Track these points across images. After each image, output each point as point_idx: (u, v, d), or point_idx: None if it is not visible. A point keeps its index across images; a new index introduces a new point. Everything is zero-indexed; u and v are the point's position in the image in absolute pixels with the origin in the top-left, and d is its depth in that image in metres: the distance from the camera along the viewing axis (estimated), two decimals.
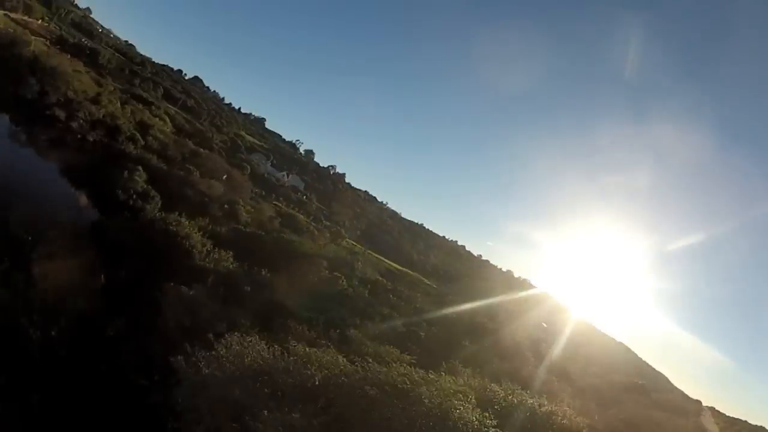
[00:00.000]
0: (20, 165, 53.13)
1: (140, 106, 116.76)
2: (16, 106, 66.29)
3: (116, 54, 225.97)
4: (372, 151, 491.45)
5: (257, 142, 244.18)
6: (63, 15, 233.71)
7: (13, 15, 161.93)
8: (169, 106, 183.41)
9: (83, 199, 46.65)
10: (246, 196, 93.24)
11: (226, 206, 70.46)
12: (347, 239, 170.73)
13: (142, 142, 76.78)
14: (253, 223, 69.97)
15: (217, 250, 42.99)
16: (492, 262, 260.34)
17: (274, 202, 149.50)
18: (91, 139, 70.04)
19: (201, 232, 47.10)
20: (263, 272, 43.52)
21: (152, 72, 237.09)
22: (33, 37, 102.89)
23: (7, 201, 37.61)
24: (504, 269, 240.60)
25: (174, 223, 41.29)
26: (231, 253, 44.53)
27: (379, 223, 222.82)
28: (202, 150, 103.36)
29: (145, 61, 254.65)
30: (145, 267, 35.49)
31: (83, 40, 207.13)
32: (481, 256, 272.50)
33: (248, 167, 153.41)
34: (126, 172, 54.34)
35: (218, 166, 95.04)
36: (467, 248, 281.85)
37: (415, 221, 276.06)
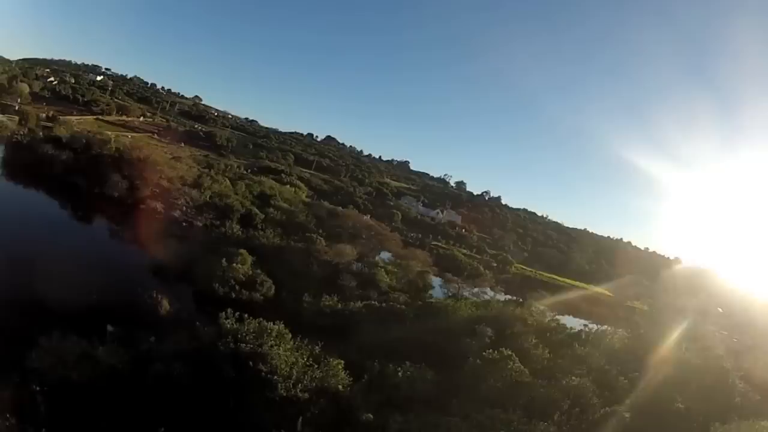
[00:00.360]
0: (114, 265, 45.59)
1: (263, 177, 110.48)
2: (108, 205, 61.67)
3: (236, 132, 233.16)
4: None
5: (404, 185, 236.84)
6: (167, 107, 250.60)
7: (107, 118, 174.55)
8: (303, 170, 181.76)
9: (164, 305, 35.36)
10: (396, 246, 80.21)
11: (363, 269, 56.60)
12: (515, 264, 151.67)
13: (261, 216, 67.55)
14: (397, 283, 54.68)
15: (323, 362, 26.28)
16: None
17: (433, 243, 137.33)
18: (200, 224, 62.72)
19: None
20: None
21: (279, 141, 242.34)
22: (117, 133, 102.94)
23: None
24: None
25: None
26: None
27: (544, 239, 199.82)
28: (339, 209, 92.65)
29: (269, 133, 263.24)
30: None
31: (196, 126, 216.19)
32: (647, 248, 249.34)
33: (398, 213, 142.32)
34: (224, 260, 42.83)
35: (359, 222, 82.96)
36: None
37: (578, 227, 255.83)
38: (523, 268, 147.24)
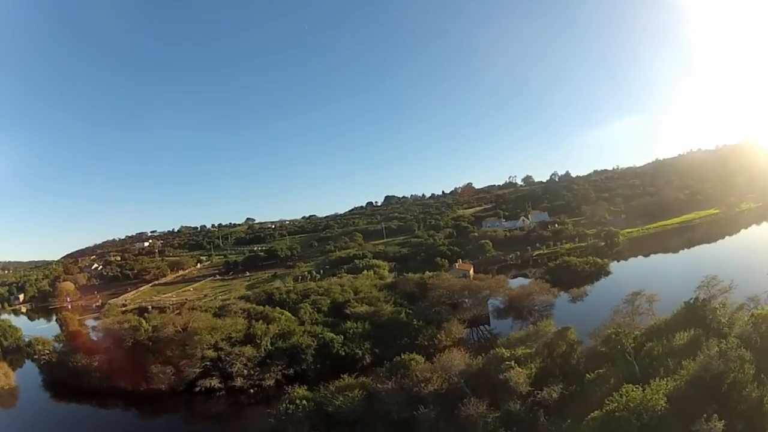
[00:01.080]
0: None
1: (334, 277, 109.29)
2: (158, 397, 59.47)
3: (297, 236, 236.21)
4: None
5: (478, 208, 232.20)
6: (221, 243, 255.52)
7: (163, 280, 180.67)
8: (376, 243, 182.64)
9: None
10: (503, 290, 75.19)
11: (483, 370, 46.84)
12: (621, 233, 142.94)
13: (340, 340, 61.18)
14: (534, 365, 45.68)
15: None
16: None
17: (535, 256, 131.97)
18: (270, 383, 58.05)
19: None
20: None
21: (342, 225, 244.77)
22: (159, 300, 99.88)
23: None
24: None
25: None
26: None
27: (631, 192, 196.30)
28: (428, 278, 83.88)
29: (329, 222, 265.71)
30: None
31: (255, 248, 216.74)
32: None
33: (487, 242, 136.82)
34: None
35: (452, 286, 72.71)
36: None
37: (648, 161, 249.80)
38: (630, 233, 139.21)
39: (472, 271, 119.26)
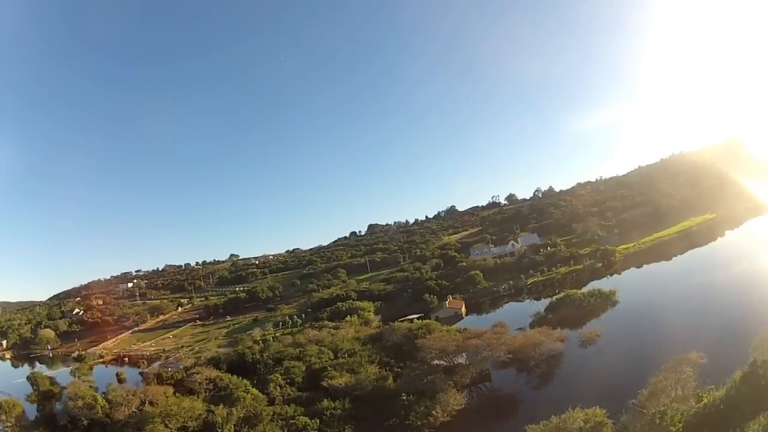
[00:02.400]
0: None
1: (314, 330, 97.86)
2: None
3: (280, 274, 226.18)
4: None
5: (464, 233, 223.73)
6: (203, 284, 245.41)
7: (143, 326, 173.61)
8: (360, 279, 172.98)
9: None
10: (503, 343, 64.35)
11: None
12: (616, 249, 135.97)
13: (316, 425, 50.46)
14: None
15: None
16: None
17: (529, 284, 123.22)
18: None
19: None
20: None
21: (325, 260, 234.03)
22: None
23: None
24: None
25: None
26: None
27: (621, 204, 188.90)
28: (418, 335, 69.81)
29: (312, 256, 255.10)
30: None
31: (237, 288, 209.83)
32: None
33: (477, 273, 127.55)
34: None
35: (445, 343, 59.52)
36: None
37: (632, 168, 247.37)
38: (626, 248, 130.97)
39: (464, 308, 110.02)
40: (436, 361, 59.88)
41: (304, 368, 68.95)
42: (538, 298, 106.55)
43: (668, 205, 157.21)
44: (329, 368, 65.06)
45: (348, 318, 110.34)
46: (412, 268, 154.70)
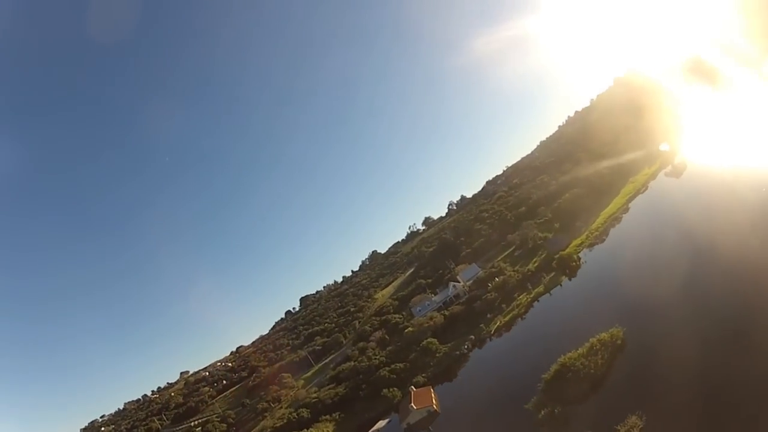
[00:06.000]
0: None
1: None
2: None
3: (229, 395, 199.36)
4: None
5: (396, 284, 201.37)
6: (160, 424, 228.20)
7: None
8: (306, 379, 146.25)
9: None
10: None
11: None
12: (569, 247, 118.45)
13: None
14: None
15: None
16: None
17: (486, 330, 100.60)
18: None
19: None
20: None
21: (269, 359, 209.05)
22: None
23: None
24: None
25: None
26: None
27: (544, 194, 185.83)
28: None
29: (254, 360, 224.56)
30: None
31: (192, 424, 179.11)
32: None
33: (431, 342, 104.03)
34: None
35: None
36: None
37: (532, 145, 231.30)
38: (581, 243, 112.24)
39: (435, 400, 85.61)
40: None
41: None
42: None
43: (597, 173, 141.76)
44: None
45: None
46: (357, 353, 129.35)
